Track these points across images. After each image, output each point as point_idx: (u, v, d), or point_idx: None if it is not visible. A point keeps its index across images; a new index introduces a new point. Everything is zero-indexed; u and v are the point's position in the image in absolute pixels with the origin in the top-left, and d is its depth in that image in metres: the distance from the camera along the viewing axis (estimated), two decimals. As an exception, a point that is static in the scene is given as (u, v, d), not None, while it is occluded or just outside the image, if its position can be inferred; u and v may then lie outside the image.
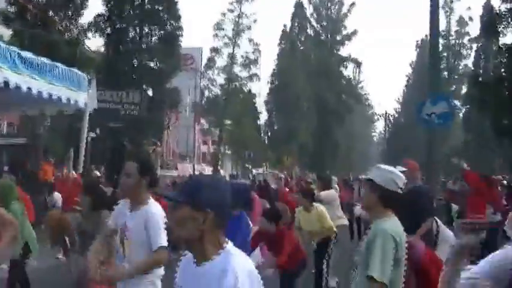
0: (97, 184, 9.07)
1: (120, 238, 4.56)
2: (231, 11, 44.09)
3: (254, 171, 48.45)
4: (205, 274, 2.53)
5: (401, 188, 4.22)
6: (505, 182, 20.62)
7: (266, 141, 58.00)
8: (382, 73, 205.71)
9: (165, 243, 4.38)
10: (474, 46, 58.85)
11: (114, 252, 4.66)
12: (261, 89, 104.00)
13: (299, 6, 62.06)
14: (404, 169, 8.30)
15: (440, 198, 17.00)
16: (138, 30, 31.13)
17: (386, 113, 64.56)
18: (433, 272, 5.45)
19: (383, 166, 4.39)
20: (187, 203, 2.47)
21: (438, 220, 8.24)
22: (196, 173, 29.98)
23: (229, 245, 2.58)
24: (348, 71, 70.61)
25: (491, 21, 33.71)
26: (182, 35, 31.96)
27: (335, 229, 9.93)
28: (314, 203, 9.70)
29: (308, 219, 9.55)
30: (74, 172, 16.23)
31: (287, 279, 7.99)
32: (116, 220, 4.70)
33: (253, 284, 2.49)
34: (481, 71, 49.81)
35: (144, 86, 30.81)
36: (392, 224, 4.18)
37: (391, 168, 4.36)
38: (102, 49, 30.65)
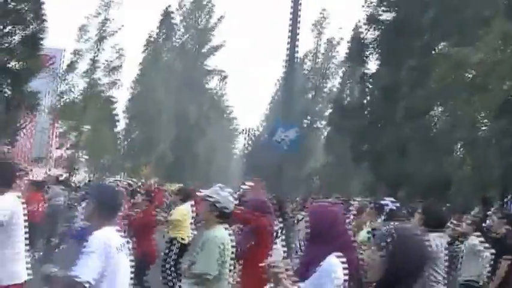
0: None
1: None
2: (97, 15, 45.15)
3: (110, 179, 49.50)
4: None
5: (233, 206, 5.80)
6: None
7: (123, 149, 59.04)
8: (251, 89, 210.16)
9: None
10: (342, 69, 59.77)
11: None
12: (121, 95, 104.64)
13: (167, 15, 63.68)
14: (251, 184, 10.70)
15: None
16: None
17: (248, 129, 67.45)
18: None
19: (222, 189, 5.76)
20: None
21: None
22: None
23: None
24: (213, 83, 73.23)
25: (357, 48, 37.26)
26: (46, 37, 33.15)
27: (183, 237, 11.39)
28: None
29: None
30: None
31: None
32: None
33: None
34: (346, 95, 52.22)
35: (3, 86, 31.50)
36: (221, 232, 5.64)
37: (229, 190, 5.79)
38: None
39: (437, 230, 6.59)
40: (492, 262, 8.66)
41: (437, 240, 6.27)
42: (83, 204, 11.52)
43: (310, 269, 4.21)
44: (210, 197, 5.64)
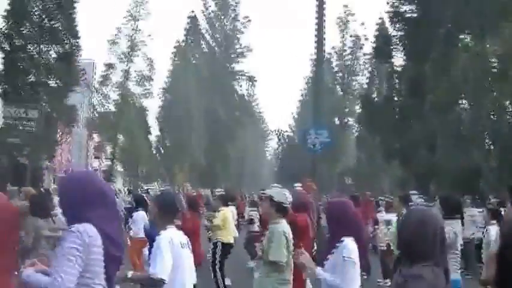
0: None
1: None
2: (126, 27, 46.91)
3: (145, 187, 50.86)
4: None
5: (289, 203, 6.59)
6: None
7: (158, 157, 60.46)
8: (279, 89, 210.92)
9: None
10: (368, 66, 60.73)
11: None
12: (153, 104, 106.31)
13: (193, 21, 65.29)
14: (300, 185, 11.77)
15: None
16: (37, 47, 33.59)
17: (279, 130, 67.80)
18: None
19: (278, 187, 6.82)
20: None
21: None
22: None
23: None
24: (242, 87, 74.33)
25: (382, 44, 37.97)
26: (80, 55, 34.79)
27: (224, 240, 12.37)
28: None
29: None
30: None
31: None
32: None
33: None
34: (374, 90, 52.87)
35: (42, 103, 33.08)
36: (283, 226, 6.49)
37: (284, 189, 6.67)
38: (1, 66, 32.69)
39: (453, 217, 7.24)
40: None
41: (450, 226, 6.79)
42: (135, 214, 12.93)
43: (330, 253, 5.04)
44: (268, 194, 6.57)
